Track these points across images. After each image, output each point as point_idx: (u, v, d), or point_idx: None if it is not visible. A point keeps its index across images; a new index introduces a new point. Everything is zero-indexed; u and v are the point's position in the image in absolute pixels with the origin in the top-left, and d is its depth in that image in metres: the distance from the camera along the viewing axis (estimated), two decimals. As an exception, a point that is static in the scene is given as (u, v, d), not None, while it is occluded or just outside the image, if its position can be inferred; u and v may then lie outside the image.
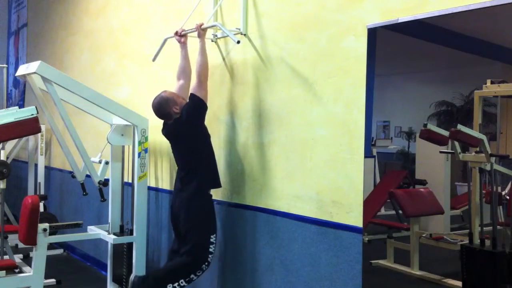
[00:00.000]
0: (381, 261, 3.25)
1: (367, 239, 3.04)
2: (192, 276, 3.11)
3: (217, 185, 3.27)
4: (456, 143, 2.97)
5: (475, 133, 2.87)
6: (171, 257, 3.33)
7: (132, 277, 3.29)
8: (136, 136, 3.52)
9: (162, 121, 3.33)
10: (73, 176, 3.63)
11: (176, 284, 3.09)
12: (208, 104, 3.21)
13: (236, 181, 3.29)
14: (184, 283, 3.10)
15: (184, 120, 3.16)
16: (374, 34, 2.49)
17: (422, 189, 3.41)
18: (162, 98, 3.22)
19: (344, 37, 2.60)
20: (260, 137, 3.11)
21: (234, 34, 3.12)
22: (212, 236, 3.15)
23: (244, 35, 3.22)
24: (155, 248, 4.19)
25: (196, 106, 3.14)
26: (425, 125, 3.05)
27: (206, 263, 3.13)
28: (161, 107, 3.21)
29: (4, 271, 3.90)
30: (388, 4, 2.40)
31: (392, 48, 3.04)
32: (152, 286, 3.14)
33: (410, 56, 3.25)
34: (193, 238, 3.14)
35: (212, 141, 3.30)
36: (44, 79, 3.13)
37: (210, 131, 3.29)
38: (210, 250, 3.14)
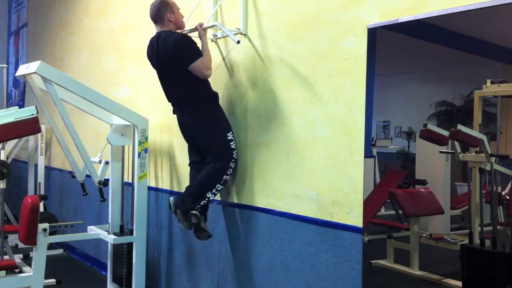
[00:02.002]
0: (381, 261, 3.25)
1: (367, 239, 3.04)
2: (225, 177, 3.17)
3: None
4: (456, 143, 2.97)
5: (475, 133, 2.87)
6: (196, 168, 3.34)
7: (170, 199, 3.27)
8: (136, 136, 3.52)
9: (162, 121, 3.34)
10: (73, 176, 3.63)
11: (214, 190, 3.15)
12: (208, 104, 3.21)
13: (236, 181, 3.29)
14: (220, 186, 3.16)
15: (170, 51, 3.13)
16: (374, 34, 2.49)
17: (422, 189, 3.41)
18: (163, 1, 3.25)
19: (344, 37, 2.60)
20: (260, 137, 3.11)
21: (234, 34, 3.12)
22: (228, 134, 3.19)
23: (244, 35, 3.22)
24: (155, 248, 4.19)
25: (188, 50, 3.12)
26: (425, 125, 3.05)
27: (233, 160, 3.19)
28: (158, 8, 3.24)
29: (4, 271, 3.90)
30: (388, 4, 2.40)
31: (392, 48, 3.04)
32: (192, 201, 3.16)
33: (410, 56, 3.25)
34: (213, 146, 3.19)
35: (212, 141, 3.29)
36: (44, 79, 3.13)
37: (210, 131, 3.28)
38: (232, 147, 3.19)
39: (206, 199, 3.15)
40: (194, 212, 3.12)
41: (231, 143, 3.19)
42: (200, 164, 3.31)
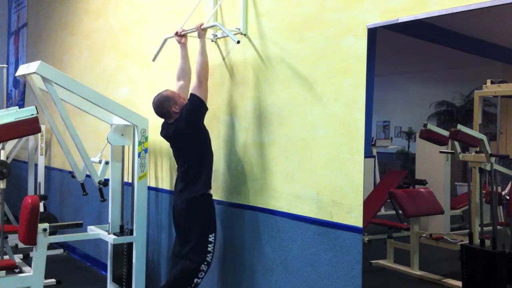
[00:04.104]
0: (381, 261, 3.26)
1: (367, 239, 3.04)
2: (196, 280, 3.12)
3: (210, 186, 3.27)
4: (456, 143, 2.97)
5: (475, 133, 2.87)
6: (175, 261, 3.33)
7: None
8: (136, 136, 3.52)
9: (162, 121, 3.33)
10: (73, 176, 3.63)
11: None
12: (208, 104, 3.21)
13: (236, 181, 3.29)
14: None
15: (183, 120, 3.16)
16: (374, 34, 2.49)
17: (422, 189, 3.41)
18: (163, 97, 3.24)
19: (344, 37, 2.60)
20: (260, 137, 3.11)
21: (234, 34, 3.12)
22: (210, 236, 3.16)
23: (244, 35, 3.22)
24: (155, 248, 4.19)
25: (195, 107, 3.15)
26: (425, 125, 3.06)
27: (205, 263, 3.14)
28: (162, 105, 3.23)
29: (4, 271, 3.90)
30: (388, 4, 2.40)
31: (392, 48, 3.04)
32: None
33: (410, 56, 3.25)
34: (193, 239, 3.16)
35: (212, 141, 3.30)
36: (44, 79, 3.13)
37: (210, 131, 3.29)
38: (209, 249, 3.15)
39: None
40: None
41: (209, 246, 3.15)
42: (177, 256, 3.29)
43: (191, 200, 3.19)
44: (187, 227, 3.20)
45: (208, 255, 3.14)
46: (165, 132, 3.32)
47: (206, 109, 3.19)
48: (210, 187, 3.23)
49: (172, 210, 3.40)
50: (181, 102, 3.23)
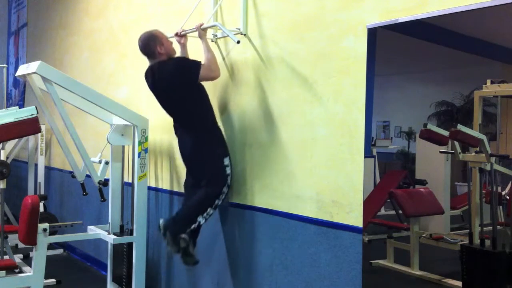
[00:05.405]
0: (381, 261, 3.26)
1: (367, 239, 3.04)
2: (217, 201, 3.16)
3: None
4: (456, 143, 2.97)
5: (475, 133, 2.87)
6: (189, 192, 3.34)
7: (160, 222, 3.23)
8: (136, 136, 3.52)
9: (162, 121, 3.34)
10: (73, 176, 3.63)
11: (205, 215, 3.13)
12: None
13: (236, 181, 3.29)
14: (211, 211, 3.15)
15: (169, 77, 3.17)
16: (374, 34, 2.49)
17: (422, 189, 3.41)
18: (151, 34, 3.29)
19: (344, 37, 2.60)
20: (260, 137, 3.11)
21: (234, 34, 3.12)
22: (225, 159, 3.19)
23: (244, 35, 3.22)
24: (155, 248, 4.19)
25: (187, 64, 3.15)
26: (425, 125, 3.06)
27: (226, 185, 3.18)
28: (147, 43, 3.27)
29: (4, 271, 3.90)
30: (388, 4, 2.40)
31: (392, 48, 3.04)
32: (183, 224, 3.14)
33: (410, 56, 3.25)
34: (208, 170, 3.19)
35: (212, 141, 3.29)
36: (44, 79, 3.13)
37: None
38: (227, 172, 3.18)
39: (197, 223, 3.12)
40: (183, 236, 3.09)
41: (227, 169, 3.18)
42: (194, 187, 3.30)
43: (194, 139, 3.21)
44: (200, 163, 3.23)
45: (228, 178, 3.18)
46: (151, 82, 3.32)
47: (196, 74, 3.14)
48: (213, 121, 3.26)
49: (180, 150, 3.39)
50: (168, 45, 3.27)
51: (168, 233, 3.12)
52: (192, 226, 3.12)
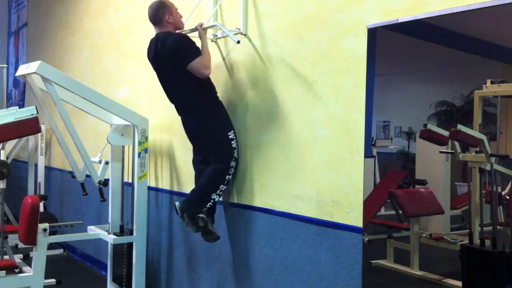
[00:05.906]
0: (381, 261, 3.25)
1: (367, 239, 3.04)
2: (227, 177, 3.19)
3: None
4: (456, 143, 2.97)
5: (475, 133, 2.87)
6: (199, 168, 3.37)
7: (176, 204, 3.26)
8: (136, 136, 3.52)
9: (162, 121, 3.34)
10: (73, 176, 3.63)
11: (218, 191, 3.17)
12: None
13: (236, 181, 3.29)
14: (224, 187, 3.18)
15: (170, 48, 3.16)
16: (374, 34, 2.49)
17: (422, 189, 3.41)
18: (161, 2, 3.29)
19: (344, 37, 2.60)
20: (260, 137, 3.11)
21: (234, 34, 3.12)
22: (229, 133, 3.20)
23: (244, 35, 3.22)
24: (155, 248, 4.19)
25: (188, 48, 3.15)
26: (425, 125, 3.05)
27: (234, 159, 3.20)
28: (156, 9, 3.27)
29: (4, 271, 3.90)
30: (388, 4, 2.40)
31: (392, 48, 3.04)
32: (198, 204, 3.17)
33: (410, 56, 3.25)
34: (215, 146, 3.22)
35: (212, 141, 3.29)
36: (44, 79, 3.13)
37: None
38: (233, 145, 3.20)
39: (212, 201, 3.16)
40: (201, 215, 3.13)
41: (232, 142, 3.20)
42: (202, 164, 3.33)
43: (198, 116, 3.22)
44: (205, 140, 3.26)
45: (234, 151, 3.20)
46: (151, 54, 3.32)
47: (189, 59, 3.12)
48: (215, 94, 3.28)
49: (184, 127, 3.40)
50: (176, 16, 3.30)
51: (185, 215, 3.16)
52: (208, 205, 3.16)
